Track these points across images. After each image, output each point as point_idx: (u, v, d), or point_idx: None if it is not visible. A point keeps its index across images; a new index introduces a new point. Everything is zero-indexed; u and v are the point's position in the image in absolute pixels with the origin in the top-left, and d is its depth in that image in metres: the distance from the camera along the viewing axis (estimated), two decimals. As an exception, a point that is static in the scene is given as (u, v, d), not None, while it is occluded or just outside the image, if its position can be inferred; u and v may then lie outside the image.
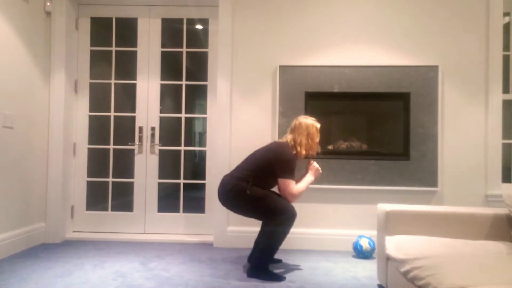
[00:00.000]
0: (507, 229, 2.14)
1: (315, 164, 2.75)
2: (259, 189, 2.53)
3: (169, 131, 3.93)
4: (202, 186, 3.60)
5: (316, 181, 3.25)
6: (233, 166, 3.32)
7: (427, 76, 3.24)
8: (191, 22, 3.73)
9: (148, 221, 3.60)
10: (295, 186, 2.56)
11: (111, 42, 3.65)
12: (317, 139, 2.71)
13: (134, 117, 3.63)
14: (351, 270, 2.72)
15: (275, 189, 2.68)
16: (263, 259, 2.54)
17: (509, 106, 3.58)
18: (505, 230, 2.14)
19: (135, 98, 3.63)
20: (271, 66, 3.37)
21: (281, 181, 2.54)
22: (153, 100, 3.62)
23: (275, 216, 2.48)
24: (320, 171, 2.76)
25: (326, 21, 3.37)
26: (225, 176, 2.65)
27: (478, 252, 1.81)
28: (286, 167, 2.53)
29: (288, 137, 2.69)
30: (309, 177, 2.70)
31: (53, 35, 3.40)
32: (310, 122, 2.70)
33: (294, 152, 2.61)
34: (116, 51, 3.66)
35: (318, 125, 2.73)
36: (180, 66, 3.67)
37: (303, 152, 2.64)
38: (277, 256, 2.98)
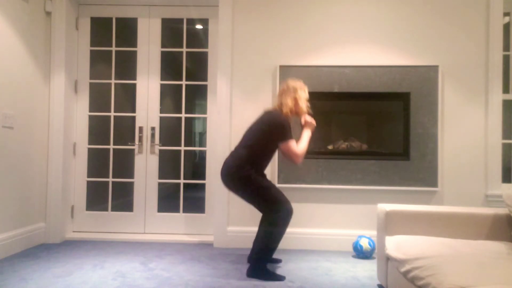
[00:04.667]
0: (507, 229, 2.14)
1: (307, 118, 2.76)
2: (263, 178, 2.58)
3: (169, 131, 3.93)
4: (202, 186, 3.60)
5: (316, 181, 3.26)
6: (233, 166, 3.34)
7: (427, 76, 3.24)
8: (191, 22, 3.73)
9: (148, 221, 3.60)
10: (297, 146, 2.60)
11: (111, 42, 3.65)
12: (305, 100, 2.70)
13: (134, 117, 3.63)
14: (351, 270, 2.72)
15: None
16: (261, 259, 2.54)
17: (509, 106, 3.58)
18: (505, 230, 2.14)
19: (135, 98, 3.63)
20: (271, 66, 3.37)
21: (282, 145, 2.56)
22: (153, 100, 3.62)
23: (273, 209, 2.50)
24: (314, 123, 2.78)
25: (326, 21, 3.37)
26: (227, 158, 2.65)
27: (478, 252, 1.81)
28: (282, 130, 2.55)
29: (277, 102, 2.72)
30: (306, 133, 2.74)
31: (53, 35, 3.40)
32: (298, 84, 2.70)
33: (284, 115, 2.61)
34: (116, 51, 3.66)
35: (306, 87, 2.73)
36: (180, 66, 3.67)
37: (289, 113, 2.62)
38: (277, 256, 2.98)
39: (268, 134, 2.57)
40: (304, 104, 2.70)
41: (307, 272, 2.67)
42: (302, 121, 2.78)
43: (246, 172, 2.52)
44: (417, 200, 3.26)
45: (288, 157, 2.61)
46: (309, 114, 2.77)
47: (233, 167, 2.55)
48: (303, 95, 2.70)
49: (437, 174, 3.22)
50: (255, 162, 2.57)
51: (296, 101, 2.65)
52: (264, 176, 2.65)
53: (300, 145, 2.64)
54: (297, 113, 2.69)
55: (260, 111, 3.35)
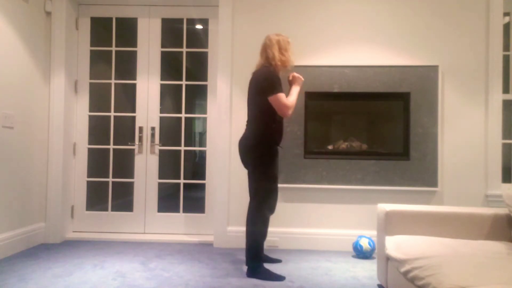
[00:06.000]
0: (507, 229, 2.14)
1: (295, 74, 2.76)
2: (273, 168, 2.57)
3: (169, 131, 3.93)
4: (202, 186, 3.60)
5: (316, 181, 3.26)
6: (233, 166, 3.35)
7: (427, 76, 3.24)
8: (191, 22, 3.73)
9: (148, 221, 3.60)
10: (287, 99, 2.58)
11: (111, 42, 3.65)
12: (290, 51, 2.68)
13: (134, 117, 3.63)
14: (351, 270, 2.72)
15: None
16: (252, 257, 2.55)
17: (509, 106, 3.58)
18: (505, 230, 2.14)
19: (135, 98, 3.63)
20: (271, 66, 3.36)
21: (271, 99, 2.51)
22: (153, 100, 3.62)
23: (255, 202, 2.55)
24: (302, 78, 2.77)
25: (327, 21, 3.37)
26: (245, 130, 2.68)
27: (478, 252, 1.81)
28: (269, 84, 2.51)
29: (261, 59, 2.68)
30: (295, 88, 2.72)
31: (53, 35, 3.40)
32: (280, 36, 2.67)
33: (271, 69, 2.58)
34: (116, 51, 3.66)
35: (289, 39, 2.70)
36: (180, 66, 3.67)
37: (279, 64, 2.60)
38: (277, 256, 2.98)
39: (260, 90, 2.54)
40: (290, 55, 2.66)
41: (307, 272, 2.67)
42: (290, 77, 2.77)
43: (261, 150, 2.53)
44: (417, 200, 3.26)
45: (278, 109, 2.55)
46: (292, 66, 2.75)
47: (252, 138, 2.57)
48: (287, 45, 2.66)
49: (437, 174, 3.22)
50: (267, 130, 2.55)
51: (282, 52, 2.62)
52: (276, 160, 2.61)
53: (290, 98, 2.61)
54: (284, 63, 2.63)
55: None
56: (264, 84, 2.52)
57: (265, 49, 2.66)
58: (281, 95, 2.52)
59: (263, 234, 2.60)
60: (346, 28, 3.36)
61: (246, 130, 2.67)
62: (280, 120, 2.64)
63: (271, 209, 2.63)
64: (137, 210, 3.60)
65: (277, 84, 2.52)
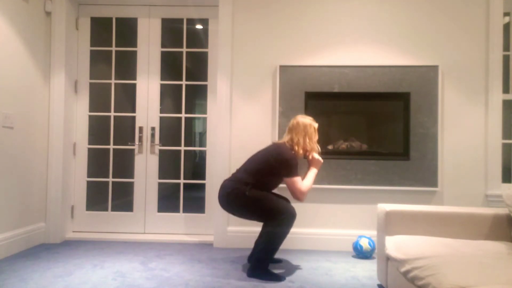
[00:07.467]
0: (507, 229, 2.14)
1: (315, 155, 2.75)
2: (258, 190, 2.54)
3: (169, 131, 3.93)
4: (202, 186, 3.60)
5: (316, 181, 3.25)
6: (233, 166, 3.34)
7: (427, 76, 3.24)
8: (191, 22, 3.73)
9: (148, 221, 3.60)
10: (302, 183, 2.59)
11: (111, 42, 3.65)
12: (315, 139, 2.72)
13: (134, 117, 3.63)
14: (351, 270, 2.72)
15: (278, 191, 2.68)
16: (263, 259, 2.54)
17: (509, 106, 3.58)
18: (505, 230, 2.14)
19: (135, 98, 3.63)
20: (271, 66, 3.36)
21: (287, 180, 2.56)
22: (153, 100, 3.62)
23: (274, 217, 2.48)
24: (322, 160, 2.76)
25: (327, 20, 3.37)
26: (225, 180, 2.66)
27: (478, 252, 1.81)
28: (289, 166, 2.54)
29: (286, 137, 2.71)
30: (313, 171, 2.72)
31: (53, 35, 3.40)
32: (308, 121, 2.70)
33: (293, 152, 2.62)
34: (116, 51, 3.66)
35: (316, 125, 2.73)
36: (180, 66, 3.67)
37: (301, 151, 2.64)
38: (277, 256, 2.98)
39: (274, 168, 2.55)
40: (315, 143, 2.71)
41: (307, 272, 2.67)
42: (310, 157, 2.75)
43: (241, 190, 2.50)
44: (417, 200, 3.26)
45: (291, 193, 2.59)
46: (318, 152, 2.77)
47: (229, 188, 2.55)
48: (313, 133, 2.70)
49: (437, 174, 3.22)
50: (255, 187, 2.54)
51: (307, 139, 2.65)
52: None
53: (305, 182, 2.62)
54: (307, 151, 2.69)
55: (261, 111, 3.37)
56: (284, 167, 2.54)
57: (292, 130, 2.69)
58: (298, 179, 2.55)
59: (283, 239, 2.55)
60: (346, 28, 3.36)
61: (231, 180, 2.60)
62: (273, 189, 2.70)
63: (292, 211, 2.52)
64: (137, 210, 3.60)
65: (295, 168, 2.55)
